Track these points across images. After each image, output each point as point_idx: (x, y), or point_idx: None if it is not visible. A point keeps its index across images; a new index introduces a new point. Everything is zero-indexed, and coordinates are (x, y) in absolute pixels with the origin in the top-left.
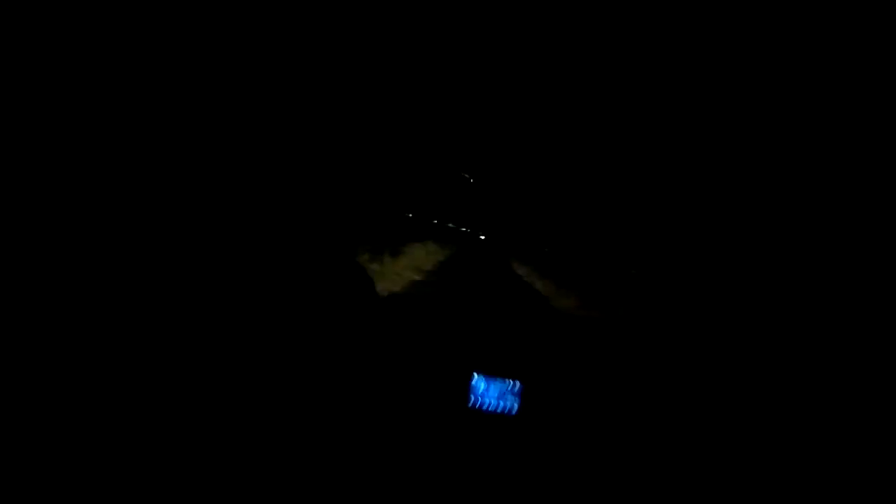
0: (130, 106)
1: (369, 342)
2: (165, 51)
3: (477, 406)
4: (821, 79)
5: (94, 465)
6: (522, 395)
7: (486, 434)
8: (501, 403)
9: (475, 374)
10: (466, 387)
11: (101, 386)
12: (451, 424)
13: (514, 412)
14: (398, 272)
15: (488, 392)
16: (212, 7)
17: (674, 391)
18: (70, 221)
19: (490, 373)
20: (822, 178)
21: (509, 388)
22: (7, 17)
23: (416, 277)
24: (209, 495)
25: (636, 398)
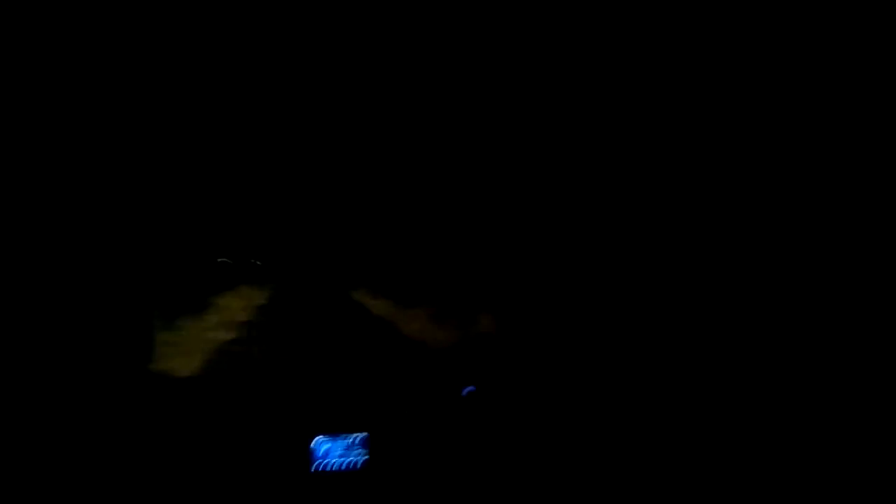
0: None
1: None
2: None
3: (320, 468)
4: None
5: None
6: (370, 446)
7: (332, 496)
8: (346, 460)
9: (316, 437)
10: (306, 452)
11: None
12: (293, 495)
13: (359, 466)
14: (204, 336)
15: (331, 451)
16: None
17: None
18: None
19: (332, 430)
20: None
21: (354, 442)
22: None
23: (229, 336)
24: None
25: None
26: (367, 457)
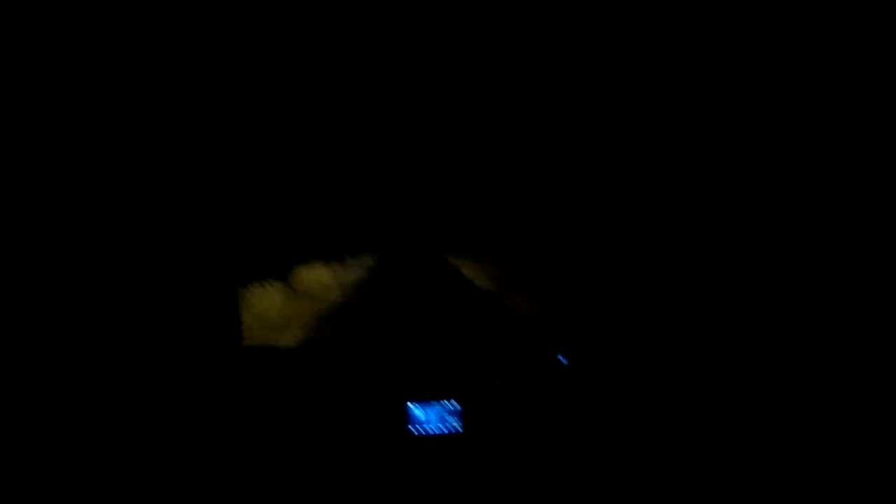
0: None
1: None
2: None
3: (420, 434)
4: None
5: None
6: (464, 416)
7: (434, 458)
8: (442, 426)
9: (409, 404)
10: (403, 418)
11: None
12: (395, 456)
13: (459, 431)
14: (297, 305)
15: (427, 419)
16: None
17: (648, 405)
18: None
19: (425, 398)
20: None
21: (448, 411)
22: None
23: (323, 305)
24: None
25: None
26: (460, 429)
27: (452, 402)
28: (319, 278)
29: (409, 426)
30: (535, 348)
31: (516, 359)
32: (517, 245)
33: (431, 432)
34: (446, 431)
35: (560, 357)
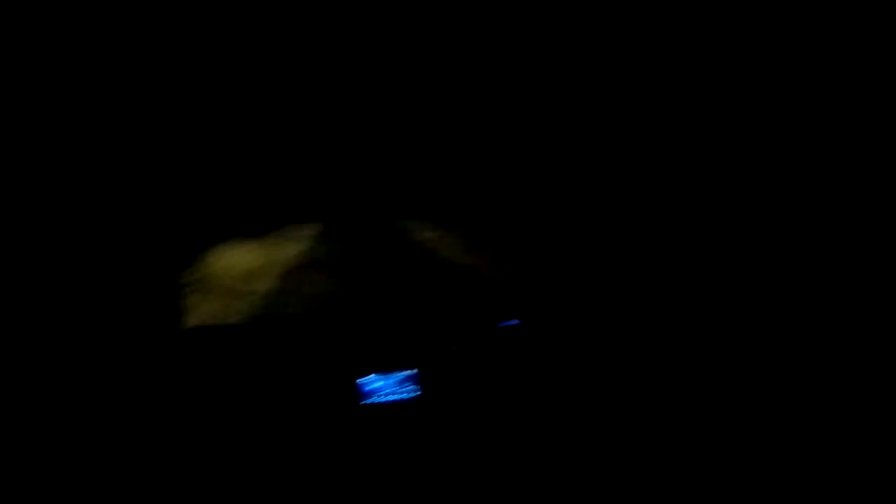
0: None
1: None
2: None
3: (373, 402)
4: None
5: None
6: (423, 382)
7: (387, 423)
8: (398, 396)
9: (366, 376)
10: (356, 390)
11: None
12: (347, 425)
13: (416, 397)
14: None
15: (382, 388)
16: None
17: (610, 373)
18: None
19: (382, 369)
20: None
21: (405, 379)
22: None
23: (275, 279)
24: None
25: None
26: (419, 393)
27: (410, 370)
28: (242, 260)
29: (365, 397)
30: (490, 311)
31: (472, 322)
32: (476, 208)
33: (390, 399)
34: (405, 397)
35: (512, 320)
